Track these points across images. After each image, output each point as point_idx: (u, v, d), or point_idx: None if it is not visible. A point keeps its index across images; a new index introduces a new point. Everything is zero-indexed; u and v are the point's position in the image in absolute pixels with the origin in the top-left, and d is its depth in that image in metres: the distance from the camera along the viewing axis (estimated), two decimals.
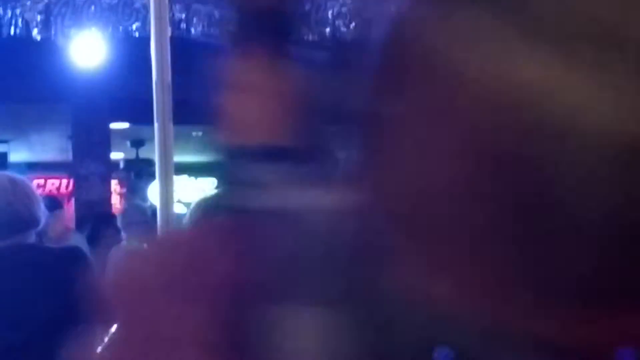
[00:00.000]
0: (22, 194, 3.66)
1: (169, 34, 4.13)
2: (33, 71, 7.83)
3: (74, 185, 10.36)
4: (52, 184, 13.12)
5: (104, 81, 7.95)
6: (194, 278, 0.55)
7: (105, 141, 9.77)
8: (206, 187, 12.51)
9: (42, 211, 3.74)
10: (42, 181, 13.07)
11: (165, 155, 4.10)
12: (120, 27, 7.19)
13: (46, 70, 7.88)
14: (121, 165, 12.75)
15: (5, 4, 6.82)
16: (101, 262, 4.87)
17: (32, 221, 3.72)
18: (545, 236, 0.44)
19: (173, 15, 7.35)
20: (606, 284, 0.45)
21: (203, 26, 7.44)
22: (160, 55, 4.06)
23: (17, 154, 11.82)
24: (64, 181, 12.76)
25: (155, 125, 4.10)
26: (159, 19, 4.07)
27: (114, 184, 11.31)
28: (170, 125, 4.17)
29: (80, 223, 7.75)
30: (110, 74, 7.70)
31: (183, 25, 7.35)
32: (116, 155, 12.04)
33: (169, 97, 4.10)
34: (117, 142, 10.59)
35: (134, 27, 6.96)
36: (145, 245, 0.67)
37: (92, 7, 7.14)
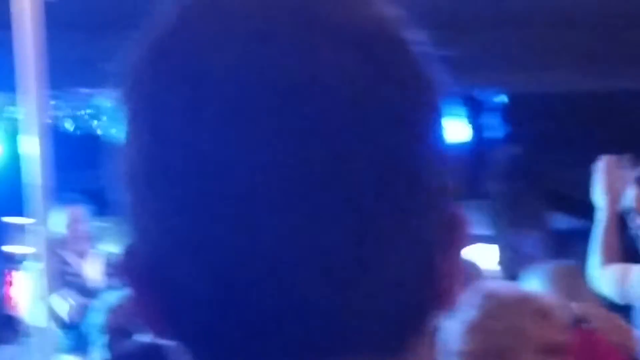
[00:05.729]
0: None
1: (47, 131, 4.12)
2: None
3: None
4: None
5: None
6: None
7: None
8: None
9: None
10: None
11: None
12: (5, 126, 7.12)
13: None
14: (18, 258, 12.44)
15: None
16: None
17: None
18: None
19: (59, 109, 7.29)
20: None
21: None
22: (39, 154, 4.03)
23: None
24: None
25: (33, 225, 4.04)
26: (35, 118, 4.04)
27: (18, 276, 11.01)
28: (46, 227, 4.12)
29: None
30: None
31: None
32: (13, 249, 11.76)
33: (48, 194, 4.06)
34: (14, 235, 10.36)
35: None
36: None
37: None
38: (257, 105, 0.51)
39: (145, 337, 3.21)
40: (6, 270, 10.43)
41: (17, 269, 11.90)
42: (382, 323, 0.53)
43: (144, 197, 0.54)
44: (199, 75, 0.52)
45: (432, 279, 0.55)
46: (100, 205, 8.70)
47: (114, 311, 3.80)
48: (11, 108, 7.25)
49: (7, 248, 10.69)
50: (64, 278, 4.88)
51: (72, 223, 5.43)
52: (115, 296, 3.90)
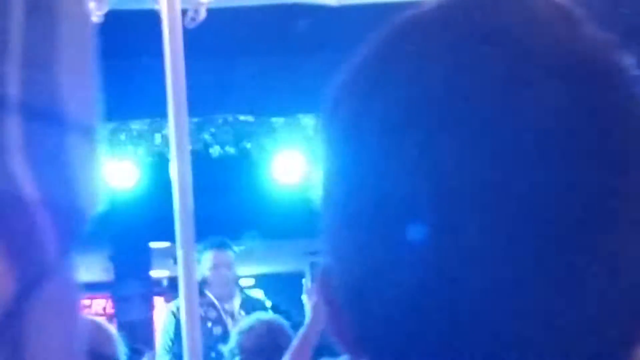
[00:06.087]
0: (107, 338, 3.76)
1: (189, 159, 4.16)
2: None
3: (113, 307, 10.36)
4: (98, 304, 13.13)
5: (141, 202, 8.04)
6: None
7: (146, 260, 9.80)
8: None
9: (122, 353, 3.85)
10: (88, 302, 13.10)
11: (189, 280, 4.12)
12: (151, 152, 7.32)
13: None
14: (165, 283, 12.76)
15: None
16: None
17: None
18: None
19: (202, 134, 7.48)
20: None
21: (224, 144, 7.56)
22: (182, 181, 4.09)
23: None
24: (109, 302, 12.77)
25: (179, 252, 4.11)
26: (179, 145, 4.10)
27: (160, 302, 11.30)
28: (194, 250, 4.20)
29: None
30: (148, 195, 7.79)
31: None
32: (161, 273, 12.05)
33: (191, 222, 4.12)
34: (160, 260, 10.63)
35: (165, 149, 7.10)
36: None
37: (122, 134, 7.28)
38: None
39: None
40: (153, 296, 10.66)
41: (161, 294, 12.18)
42: None
43: (342, 222, 0.54)
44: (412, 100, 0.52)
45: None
46: (236, 230, 8.89)
47: (247, 332, 3.85)
48: (156, 134, 7.40)
49: (154, 273, 10.94)
50: (204, 323, 4.98)
51: (217, 267, 5.53)
52: (248, 322, 3.95)
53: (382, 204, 0.51)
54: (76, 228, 0.66)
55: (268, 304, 5.89)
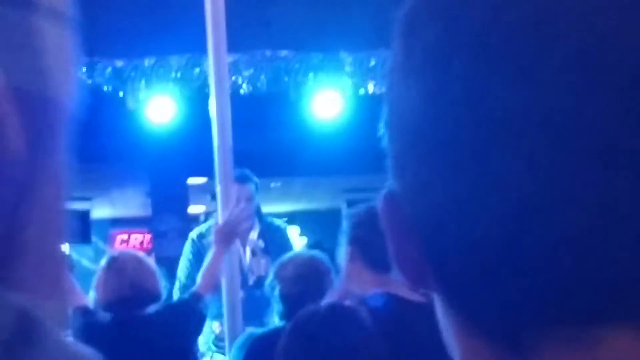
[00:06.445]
0: (149, 272, 3.83)
1: (229, 95, 4.16)
2: (111, 131, 7.97)
3: (151, 242, 10.45)
4: (136, 239, 13.25)
5: (179, 138, 8.06)
6: None
7: (184, 196, 9.85)
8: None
9: (163, 287, 3.93)
10: (125, 236, 13.22)
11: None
12: (189, 87, 7.33)
13: (123, 130, 8.03)
14: (202, 218, 12.84)
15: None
16: None
17: (158, 296, 3.92)
18: None
19: (240, 71, 7.47)
20: None
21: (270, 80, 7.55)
22: (221, 117, 4.09)
23: (100, 211, 11.99)
24: (147, 236, 12.89)
25: (218, 188, 4.12)
26: (219, 81, 4.10)
27: None
28: (232, 187, 4.21)
29: None
30: (186, 131, 7.81)
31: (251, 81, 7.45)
32: (198, 209, 12.13)
33: (230, 159, 4.13)
34: (198, 196, 10.68)
35: (203, 86, 7.11)
36: None
37: (161, 69, 7.28)
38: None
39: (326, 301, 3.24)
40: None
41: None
42: None
43: (425, 149, 0.51)
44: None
45: None
46: (273, 167, 8.88)
47: (286, 264, 3.87)
48: (194, 70, 7.40)
49: (192, 209, 11.00)
50: None
51: (238, 200, 5.53)
52: (287, 256, 3.97)
53: (479, 130, 0.49)
54: (51, 120, 0.64)
55: (291, 232, 5.83)
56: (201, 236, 5.30)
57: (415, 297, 2.94)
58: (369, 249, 3.14)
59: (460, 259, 0.51)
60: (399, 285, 2.98)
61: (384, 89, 0.56)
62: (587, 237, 0.48)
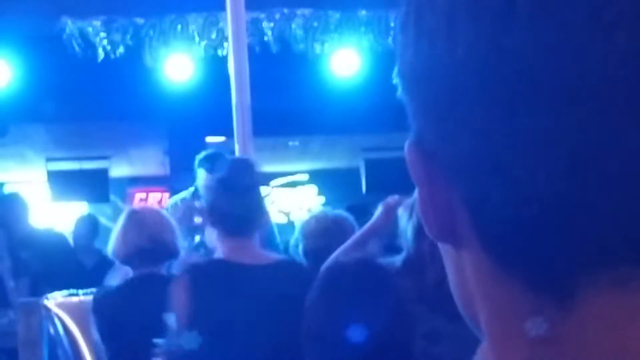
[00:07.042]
0: (168, 227, 3.86)
1: (246, 53, 4.15)
2: (129, 90, 7.97)
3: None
4: (154, 198, 13.29)
5: (198, 97, 8.05)
6: None
7: None
8: (305, 196, 12.55)
9: (181, 243, 3.96)
10: (144, 195, 13.26)
11: None
12: (207, 46, 7.30)
13: (142, 88, 8.02)
14: None
15: (96, 29, 6.97)
16: None
17: (176, 252, 3.94)
18: None
19: (263, 30, 7.44)
20: None
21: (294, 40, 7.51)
22: (239, 76, 4.08)
23: (118, 169, 12.02)
24: (165, 195, 12.93)
25: (236, 146, 4.13)
26: (236, 41, 4.09)
27: None
28: (251, 145, 4.22)
29: None
30: (204, 89, 7.80)
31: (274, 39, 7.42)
32: None
33: (248, 117, 4.13)
34: None
35: (221, 44, 7.07)
36: None
37: (179, 27, 7.26)
38: None
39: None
40: None
41: None
42: None
43: (469, 104, 0.50)
44: None
45: None
46: (292, 125, 8.85)
47: (309, 221, 3.87)
48: (212, 28, 7.37)
49: None
50: None
51: None
52: (312, 214, 3.98)
53: (535, 90, 0.48)
54: None
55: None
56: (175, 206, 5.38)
57: None
58: None
59: (510, 206, 0.50)
60: None
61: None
62: None
